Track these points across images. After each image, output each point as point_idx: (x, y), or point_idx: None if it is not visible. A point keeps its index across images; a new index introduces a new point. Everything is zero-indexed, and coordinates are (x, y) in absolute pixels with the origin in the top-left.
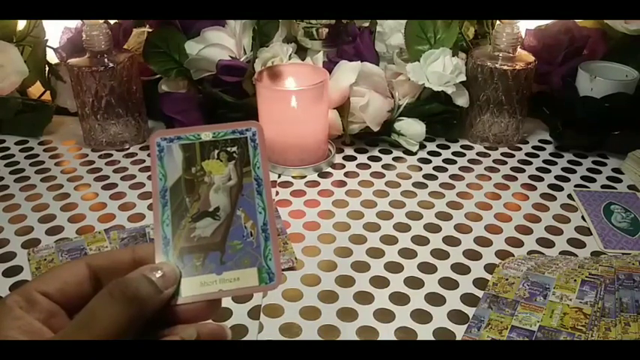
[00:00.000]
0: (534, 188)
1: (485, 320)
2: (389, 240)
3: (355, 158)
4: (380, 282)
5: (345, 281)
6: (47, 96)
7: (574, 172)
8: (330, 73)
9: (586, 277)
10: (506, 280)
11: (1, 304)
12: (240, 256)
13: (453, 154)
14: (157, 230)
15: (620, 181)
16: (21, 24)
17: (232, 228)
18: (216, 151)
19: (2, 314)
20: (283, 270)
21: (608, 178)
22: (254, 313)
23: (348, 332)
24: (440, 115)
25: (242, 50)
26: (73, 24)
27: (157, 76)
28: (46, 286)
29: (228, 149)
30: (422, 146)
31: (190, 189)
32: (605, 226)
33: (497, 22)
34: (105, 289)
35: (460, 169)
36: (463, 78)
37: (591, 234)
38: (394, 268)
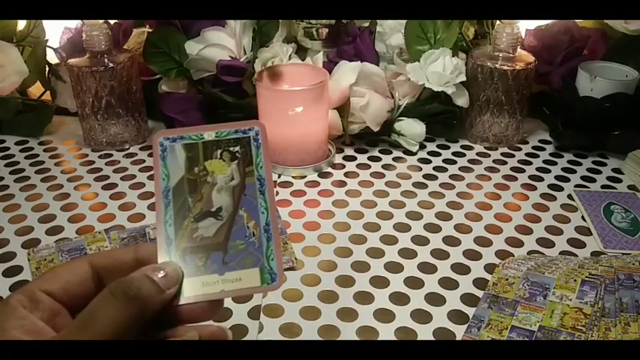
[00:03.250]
0: (534, 188)
1: (485, 320)
2: (389, 240)
3: (355, 158)
4: (380, 282)
5: (345, 281)
6: (47, 96)
7: (574, 172)
8: (330, 73)
9: (586, 277)
10: (506, 280)
11: (4, 304)
12: (243, 256)
13: (453, 154)
14: (160, 230)
15: (620, 181)
16: (21, 24)
17: (235, 228)
18: (219, 151)
19: (6, 314)
20: (283, 270)
21: (608, 178)
22: (254, 313)
23: (348, 332)
24: (440, 115)
25: (242, 50)
26: (73, 24)
27: (157, 76)
28: (49, 285)
29: (231, 149)
30: (422, 146)
31: (193, 189)
32: (605, 226)
33: (497, 22)
34: (107, 289)
35: (460, 169)
36: (463, 78)
37: (591, 234)
38: (394, 268)
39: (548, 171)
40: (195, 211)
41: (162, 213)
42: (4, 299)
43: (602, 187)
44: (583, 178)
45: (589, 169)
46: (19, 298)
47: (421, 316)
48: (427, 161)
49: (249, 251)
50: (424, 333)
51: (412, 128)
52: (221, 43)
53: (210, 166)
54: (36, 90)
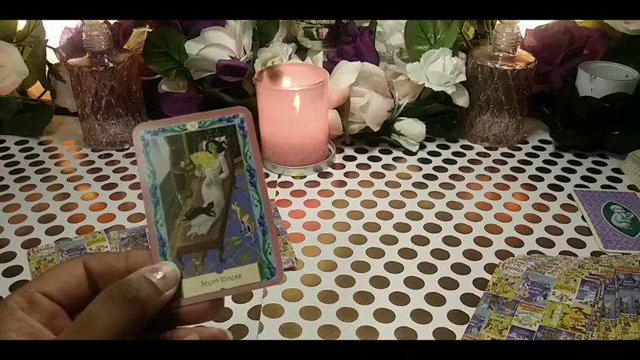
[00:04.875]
0: (534, 188)
1: (485, 320)
2: (389, 240)
3: (355, 158)
4: (380, 282)
5: (345, 281)
6: (47, 96)
7: (574, 172)
8: (330, 73)
9: (586, 277)
10: (506, 280)
11: (2, 306)
12: (240, 252)
13: (453, 154)
14: (152, 231)
15: (620, 181)
16: (21, 24)
17: (229, 223)
18: (205, 142)
19: (4, 316)
20: (282, 265)
21: (608, 178)
22: (254, 313)
23: (348, 332)
24: (440, 115)
25: (242, 50)
26: (73, 24)
27: (157, 76)
28: (48, 286)
29: (217, 139)
30: (422, 146)
31: (181, 185)
32: (605, 226)
33: (497, 22)
34: (105, 292)
35: (460, 169)
36: (463, 78)
37: (591, 234)
38: (394, 268)
39: (548, 171)
40: (186, 209)
41: (152, 213)
42: (2, 301)
43: (602, 187)
44: (583, 178)
45: (589, 169)
46: (16, 299)
47: (421, 316)
48: (427, 161)
49: (246, 247)
50: (424, 333)
51: (412, 128)
52: (221, 43)
53: (197, 159)
54: (36, 90)
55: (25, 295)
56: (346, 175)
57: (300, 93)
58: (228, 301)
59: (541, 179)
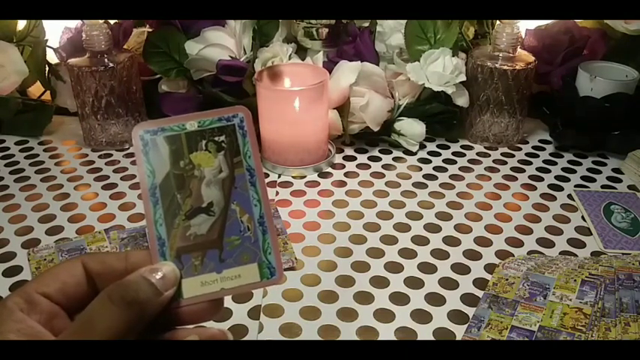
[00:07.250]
0: (534, 188)
1: (485, 320)
2: (389, 240)
3: (355, 158)
4: (380, 282)
5: (345, 281)
6: (47, 96)
7: (574, 172)
8: (330, 73)
9: (586, 277)
10: (506, 280)
11: (1, 306)
12: (239, 252)
13: (453, 154)
14: (151, 231)
15: (620, 181)
16: (21, 24)
17: (228, 223)
18: (204, 142)
19: (3, 317)
20: (282, 266)
21: (608, 178)
22: (254, 313)
23: (348, 332)
24: (440, 115)
25: (242, 50)
26: (73, 24)
27: (157, 76)
28: (47, 287)
29: (216, 139)
30: (422, 146)
31: (181, 184)
32: (605, 226)
33: (497, 22)
34: (104, 293)
35: (460, 169)
36: (463, 78)
37: (591, 234)
38: (394, 268)
39: (548, 171)
40: (185, 208)
41: (152, 213)
42: (1, 302)
43: (602, 187)
44: (583, 178)
45: (589, 169)
46: (16, 300)
47: (421, 316)
48: (427, 161)
49: (246, 246)
50: (424, 333)
51: (412, 128)
52: (221, 43)
53: (196, 159)
54: (36, 90)
55: (24, 296)
56: (346, 175)
57: (300, 93)
58: (228, 301)
59: (541, 179)
